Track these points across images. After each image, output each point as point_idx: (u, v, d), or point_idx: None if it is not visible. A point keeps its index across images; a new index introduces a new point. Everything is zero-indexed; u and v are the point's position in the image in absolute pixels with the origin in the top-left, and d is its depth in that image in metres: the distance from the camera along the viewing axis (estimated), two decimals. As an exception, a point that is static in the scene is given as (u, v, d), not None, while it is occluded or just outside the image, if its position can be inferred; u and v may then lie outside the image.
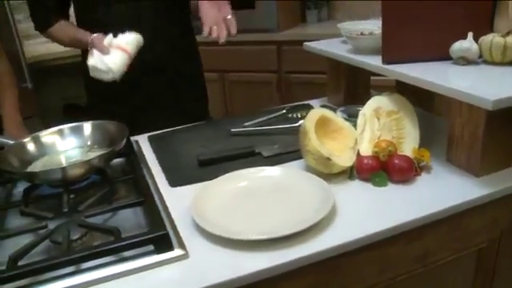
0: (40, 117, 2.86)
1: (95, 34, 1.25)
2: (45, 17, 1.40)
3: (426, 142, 1.02)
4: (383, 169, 0.94)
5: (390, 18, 1.04)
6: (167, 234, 0.77)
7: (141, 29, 1.33)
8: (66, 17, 1.44)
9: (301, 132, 0.99)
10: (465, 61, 1.02)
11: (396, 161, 0.93)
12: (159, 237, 0.76)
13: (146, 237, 0.76)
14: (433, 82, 0.93)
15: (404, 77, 1.00)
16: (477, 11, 1.04)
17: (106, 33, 1.29)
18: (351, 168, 0.97)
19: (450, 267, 0.97)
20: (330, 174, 0.97)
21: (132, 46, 1.23)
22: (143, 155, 1.17)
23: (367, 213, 0.86)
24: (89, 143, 1.11)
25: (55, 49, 2.90)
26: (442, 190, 0.90)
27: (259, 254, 0.76)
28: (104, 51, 1.20)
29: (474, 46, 1.00)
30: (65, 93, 3.23)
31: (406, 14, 1.03)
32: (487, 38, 1.00)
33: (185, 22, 1.49)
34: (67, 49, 2.84)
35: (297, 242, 0.77)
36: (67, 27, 1.40)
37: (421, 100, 1.18)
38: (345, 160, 0.97)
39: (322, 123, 1.04)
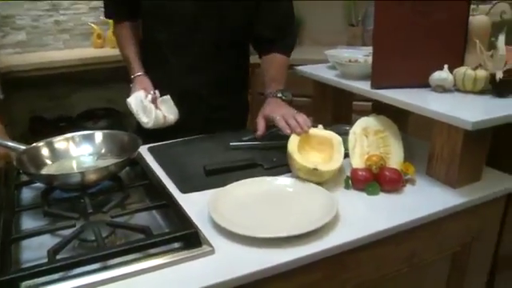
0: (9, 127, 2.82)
1: (141, 74, 1.43)
2: (110, 8, 1.53)
3: (404, 158, 1.16)
4: (375, 180, 1.07)
5: (379, 50, 1.19)
6: (196, 232, 0.85)
7: (187, 55, 1.44)
8: (135, 19, 1.52)
9: (287, 154, 1.12)
10: (441, 88, 1.18)
11: (387, 173, 1.07)
12: (189, 234, 0.84)
13: (177, 234, 0.84)
14: (420, 106, 1.08)
15: (393, 101, 1.15)
16: (452, 47, 1.21)
17: (155, 48, 1.44)
18: (347, 179, 1.09)
19: (429, 268, 1.11)
20: (327, 183, 1.09)
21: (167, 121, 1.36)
22: (148, 164, 1.24)
23: (364, 217, 0.98)
24: (103, 151, 1.18)
25: (25, 60, 2.90)
26: (426, 199, 1.04)
27: (277, 250, 0.86)
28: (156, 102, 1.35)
29: (450, 77, 1.17)
30: (32, 105, 3.20)
31: (392, 47, 1.19)
32: (461, 70, 1.16)
33: (237, 59, 1.55)
34: (41, 60, 2.87)
35: (308, 241, 0.88)
36: (127, 39, 1.50)
37: (393, 121, 1.33)
38: (330, 165, 1.09)
39: (307, 140, 1.18)
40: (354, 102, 1.58)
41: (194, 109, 1.50)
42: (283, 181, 1.09)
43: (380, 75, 1.20)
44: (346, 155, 1.17)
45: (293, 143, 1.13)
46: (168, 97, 1.37)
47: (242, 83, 1.65)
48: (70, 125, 3.15)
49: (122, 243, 0.85)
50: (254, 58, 1.62)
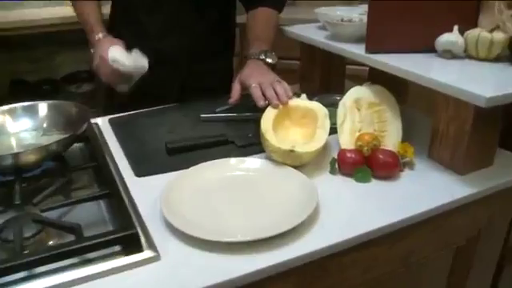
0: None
1: (106, 33, 1.21)
2: None
3: (402, 134, 0.98)
4: (366, 164, 0.90)
5: (376, 7, 0.98)
6: (136, 234, 0.69)
7: (162, 14, 1.26)
8: None
9: (261, 133, 0.93)
10: (450, 54, 0.99)
11: (380, 155, 0.89)
12: (127, 237, 0.68)
13: (111, 236, 0.67)
14: (422, 75, 0.89)
15: (390, 68, 0.96)
16: (463, 5, 1.00)
17: (125, 7, 1.29)
18: (333, 162, 0.92)
19: (428, 266, 0.95)
20: (309, 165, 0.91)
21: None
22: (105, 140, 1.07)
23: (351, 212, 0.81)
24: (45, 125, 1.00)
25: (2, 18, 2.69)
26: (427, 189, 0.87)
27: (238, 257, 0.69)
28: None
29: (461, 40, 0.97)
30: (12, 68, 3.02)
31: (392, 4, 0.98)
32: (474, 33, 0.96)
33: (220, 18, 1.36)
34: (12, 19, 2.65)
35: (279, 244, 0.71)
36: (87, 4, 1.29)
37: (393, 92, 1.14)
38: (311, 146, 0.91)
39: (287, 113, 1.00)
40: (349, 66, 1.38)
41: (170, 76, 1.33)
42: (253, 163, 0.92)
43: (376, 37, 1.00)
44: (335, 130, 0.99)
45: (267, 119, 0.95)
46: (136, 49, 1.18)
47: (227, 46, 1.46)
48: (52, 88, 2.98)
49: (44, 248, 0.68)
50: (241, 18, 1.42)
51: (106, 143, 1.05)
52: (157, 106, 1.28)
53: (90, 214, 0.81)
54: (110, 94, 1.43)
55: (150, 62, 1.23)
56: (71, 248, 0.66)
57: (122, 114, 1.22)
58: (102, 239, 0.67)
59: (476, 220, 0.94)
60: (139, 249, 0.68)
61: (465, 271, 1.01)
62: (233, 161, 0.91)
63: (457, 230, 0.92)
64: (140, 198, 0.83)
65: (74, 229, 0.70)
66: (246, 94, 1.11)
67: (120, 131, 1.12)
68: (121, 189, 0.84)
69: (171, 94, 1.33)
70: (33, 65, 3.08)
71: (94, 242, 0.67)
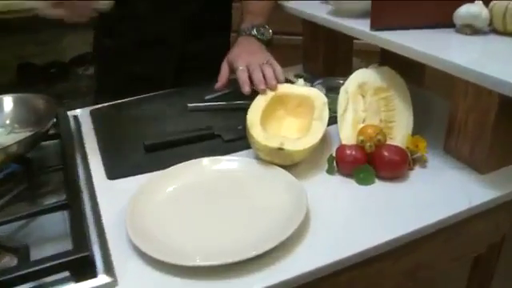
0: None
1: None
2: None
3: (415, 124, 0.84)
4: (369, 162, 0.77)
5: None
6: (88, 257, 0.58)
7: None
8: None
9: (246, 127, 0.81)
10: (471, 29, 0.84)
11: (385, 153, 0.76)
12: (77, 261, 0.57)
13: (59, 261, 0.57)
14: (435, 56, 0.74)
15: (398, 47, 0.82)
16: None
17: None
18: (330, 159, 0.79)
19: (442, 278, 0.82)
20: (303, 164, 0.79)
21: None
22: (81, 136, 0.97)
23: (350, 222, 0.69)
24: (8, 122, 0.90)
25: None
26: (442, 191, 0.74)
27: (206, 284, 0.58)
28: None
29: (485, 12, 0.82)
30: (19, 51, 2.94)
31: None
32: (502, 3, 0.81)
33: None
34: (9, 2, 2.56)
35: (257, 266, 0.60)
36: None
37: (408, 71, 0.99)
38: (303, 142, 0.78)
39: (281, 101, 0.89)
40: (357, 41, 1.22)
41: (164, 59, 1.22)
42: (230, 164, 0.79)
43: (383, 11, 0.86)
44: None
45: (255, 109, 0.83)
46: None
47: (224, 23, 1.32)
48: (60, 71, 2.92)
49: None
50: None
51: (82, 140, 0.95)
52: (153, 90, 1.17)
53: (54, 227, 0.71)
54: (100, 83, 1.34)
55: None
56: (12, 276, 0.55)
57: (104, 105, 1.11)
58: (47, 265, 0.57)
59: (499, 225, 0.80)
60: (92, 274, 0.58)
61: (486, 281, 0.88)
62: (205, 161, 0.79)
63: (476, 237, 0.79)
64: (107, 207, 0.73)
65: (19, 250, 0.60)
66: (232, 80, 0.99)
67: (100, 125, 1.01)
68: (85, 196, 0.74)
69: (168, 77, 1.23)
70: (40, 48, 3.01)
71: (38, 267, 0.56)
